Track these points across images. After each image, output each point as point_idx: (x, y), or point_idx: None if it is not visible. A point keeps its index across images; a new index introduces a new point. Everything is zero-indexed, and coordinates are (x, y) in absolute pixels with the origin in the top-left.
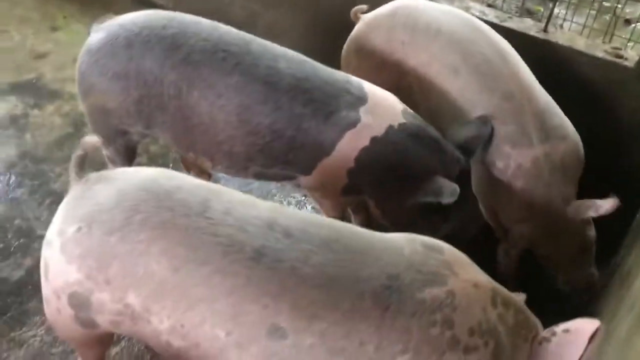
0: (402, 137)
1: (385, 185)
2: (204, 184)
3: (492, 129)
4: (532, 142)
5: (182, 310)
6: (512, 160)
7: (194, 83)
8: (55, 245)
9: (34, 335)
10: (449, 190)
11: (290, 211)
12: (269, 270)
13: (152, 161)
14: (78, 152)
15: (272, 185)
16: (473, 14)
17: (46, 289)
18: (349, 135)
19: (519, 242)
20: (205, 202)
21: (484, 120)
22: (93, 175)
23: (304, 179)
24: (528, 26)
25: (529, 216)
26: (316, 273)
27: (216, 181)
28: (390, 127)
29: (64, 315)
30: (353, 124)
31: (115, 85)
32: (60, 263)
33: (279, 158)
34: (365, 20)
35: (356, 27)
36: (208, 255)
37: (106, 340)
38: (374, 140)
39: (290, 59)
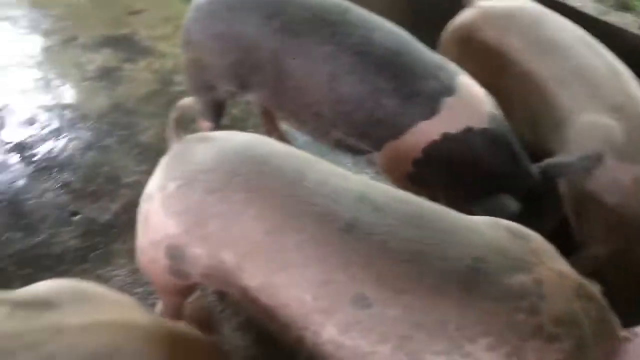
0: (477, 143)
1: (447, 185)
2: (298, 152)
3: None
4: (636, 158)
5: (273, 272)
6: (611, 172)
7: (290, 51)
8: (156, 199)
9: (117, 275)
10: (504, 213)
11: (378, 185)
12: (359, 242)
13: (233, 124)
14: (174, 114)
15: (347, 160)
16: (572, 5)
17: (144, 240)
18: (422, 125)
19: (589, 263)
20: (300, 170)
21: (598, 157)
22: (193, 136)
23: (376, 156)
24: (628, 22)
25: (611, 237)
26: (403, 248)
27: None
28: (469, 128)
29: (159, 265)
30: (430, 114)
31: (213, 45)
32: (161, 217)
33: (357, 129)
34: (480, 10)
35: (467, 14)
36: (302, 222)
37: (191, 290)
38: (445, 136)
39: (386, 30)
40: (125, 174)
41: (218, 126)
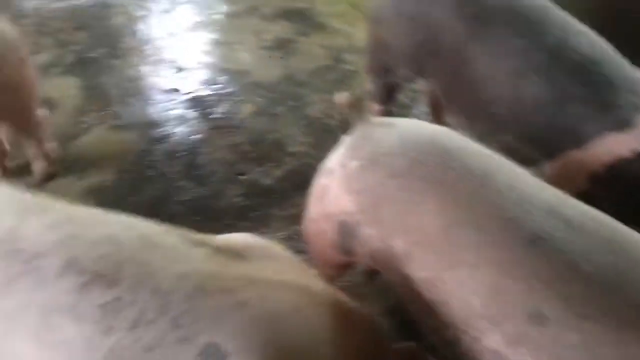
0: None
1: (623, 210)
2: (487, 151)
3: None
4: None
5: (444, 268)
6: None
7: (477, 39)
8: (337, 174)
9: (273, 238)
10: None
11: (571, 201)
12: (545, 256)
13: (397, 110)
14: (351, 100)
15: None
16: None
17: (317, 211)
18: (610, 137)
19: None
20: (488, 170)
21: None
22: (378, 119)
23: (546, 167)
24: None
25: None
26: (595, 272)
27: None
28: None
29: (327, 238)
30: (621, 126)
31: (400, 24)
32: (339, 192)
33: (532, 133)
34: None
35: None
36: (485, 224)
37: (348, 267)
38: (638, 155)
39: (584, 36)
40: (290, 143)
41: (387, 110)
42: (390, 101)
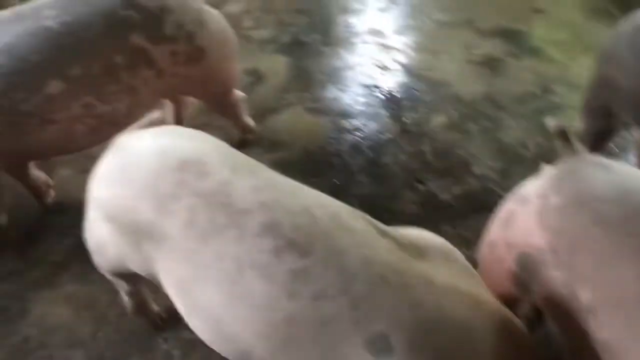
0: None
1: None
2: None
3: None
4: None
5: (632, 337)
6: None
7: None
8: (531, 204)
9: None
10: None
11: None
12: None
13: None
14: (571, 128)
15: None
16: None
17: (499, 236)
18: None
19: None
20: None
21: None
22: (589, 157)
23: None
24: None
25: None
26: None
27: None
28: None
29: (503, 267)
30: None
31: (637, 65)
32: (531, 224)
33: None
34: None
35: None
36: None
37: (513, 303)
38: None
39: None
40: (477, 163)
41: None
42: (600, 146)
